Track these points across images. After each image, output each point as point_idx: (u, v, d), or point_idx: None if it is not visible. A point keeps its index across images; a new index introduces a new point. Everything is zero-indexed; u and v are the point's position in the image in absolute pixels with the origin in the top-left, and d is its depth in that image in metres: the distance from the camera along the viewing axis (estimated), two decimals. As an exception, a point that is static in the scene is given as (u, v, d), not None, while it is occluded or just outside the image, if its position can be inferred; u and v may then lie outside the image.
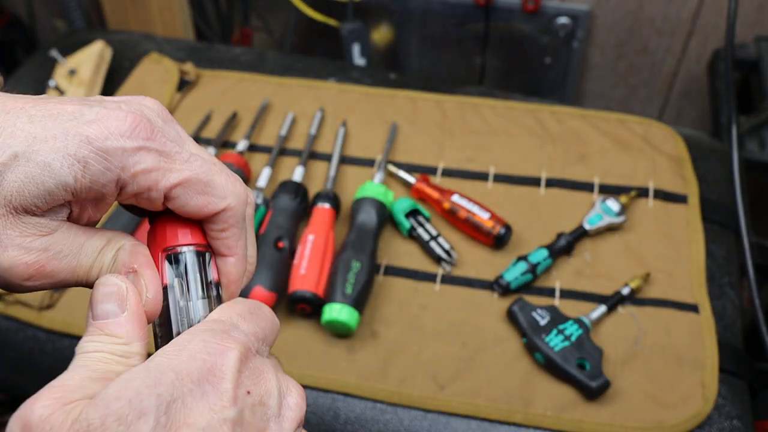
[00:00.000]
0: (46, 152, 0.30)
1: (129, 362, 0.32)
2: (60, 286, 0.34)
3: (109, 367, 0.31)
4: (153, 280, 0.34)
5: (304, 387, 0.74)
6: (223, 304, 0.35)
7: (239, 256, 0.37)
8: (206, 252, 0.36)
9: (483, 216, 0.84)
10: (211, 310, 0.35)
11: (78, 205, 0.33)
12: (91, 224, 0.36)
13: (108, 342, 0.32)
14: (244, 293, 0.76)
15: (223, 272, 0.37)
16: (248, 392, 0.31)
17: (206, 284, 0.36)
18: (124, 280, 0.34)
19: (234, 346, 0.32)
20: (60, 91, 1.01)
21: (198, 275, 0.36)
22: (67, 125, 0.31)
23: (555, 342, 0.73)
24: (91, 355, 0.32)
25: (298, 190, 0.86)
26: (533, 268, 0.80)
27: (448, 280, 0.82)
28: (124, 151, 0.32)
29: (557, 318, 0.75)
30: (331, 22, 1.36)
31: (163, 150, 0.33)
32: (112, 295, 0.33)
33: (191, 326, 0.34)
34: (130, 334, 0.33)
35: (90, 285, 0.35)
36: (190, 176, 0.34)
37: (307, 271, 0.78)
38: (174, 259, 0.36)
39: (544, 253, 0.81)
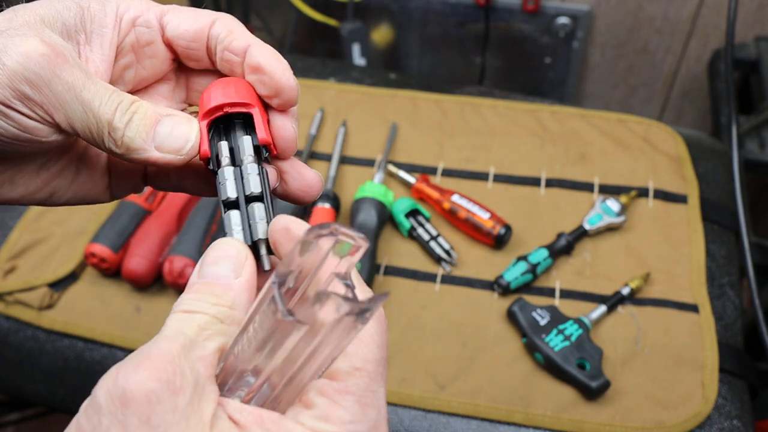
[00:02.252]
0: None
1: (228, 330, 0.30)
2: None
3: (209, 333, 0.29)
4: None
5: (304, 387, 0.75)
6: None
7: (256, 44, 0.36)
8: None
9: (483, 216, 0.84)
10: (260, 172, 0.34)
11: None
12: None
13: (213, 303, 0.30)
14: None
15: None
16: None
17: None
18: (245, 248, 0.32)
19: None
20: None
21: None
22: None
23: (555, 342, 0.73)
24: (193, 317, 0.30)
25: (298, 190, 0.86)
26: (533, 268, 0.80)
27: (448, 280, 0.82)
28: None
29: (557, 318, 0.75)
30: (331, 22, 1.36)
31: None
32: (230, 258, 0.32)
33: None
34: (236, 300, 0.31)
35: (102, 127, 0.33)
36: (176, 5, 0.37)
37: (307, 271, 0.78)
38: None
39: (544, 253, 0.81)
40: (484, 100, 1.00)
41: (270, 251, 0.34)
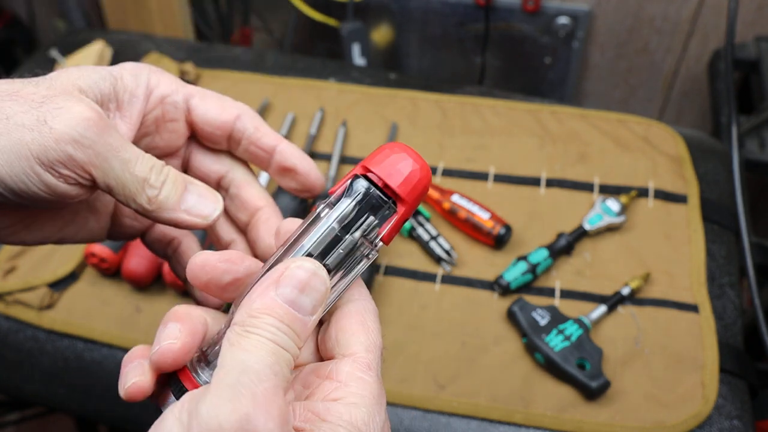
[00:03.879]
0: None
1: (287, 371, 0.29)
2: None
3: (284, 371, 0.29)
4: None
5: (304, 387, 0.75)
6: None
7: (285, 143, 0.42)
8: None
9: (483, 216, 0.84)
10: None
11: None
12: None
13: (296, 343, 0.30)
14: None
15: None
16: None
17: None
18: (328, 281, 0.32)
19: None
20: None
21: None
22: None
23: (555, 342, 0.73)
24: (284, 356, 0.29)
25: (298, 190, 0.86)
26: (533, 268, 0.80)
27: (448, 280, 0.82)
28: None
29: (557, 318, 0.75)
30: (331, 22, 1.36)
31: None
32: (317, 292, 0.32)
33: None
34: (304, 338, 0.31)
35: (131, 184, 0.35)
36: (203, 90, 0.42)
37: (307, 271, 0.78)
38: None
39: (544, 253, 0.81)
40: (484, 100, 1.00)
41: None
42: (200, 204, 0.37)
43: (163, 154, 0.43)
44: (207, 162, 0.44)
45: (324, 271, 0.32)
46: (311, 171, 0.42)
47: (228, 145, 0.43)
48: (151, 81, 0.40)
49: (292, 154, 0.42)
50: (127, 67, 0.39)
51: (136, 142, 0.40)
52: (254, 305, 0.30)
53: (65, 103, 0.34)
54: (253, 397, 0.27)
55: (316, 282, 0.32)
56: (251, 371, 0.27)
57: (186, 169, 0.45)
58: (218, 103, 0.41)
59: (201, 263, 0.36)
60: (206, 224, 0.38)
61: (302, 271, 0.31)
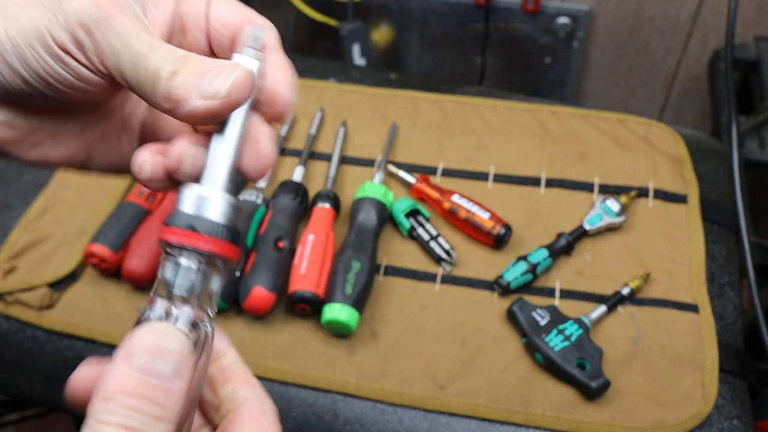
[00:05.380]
0: None
1: None
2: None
3: None
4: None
5: (304, 387, 0.75)
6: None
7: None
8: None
9: (483, 216, 0.84)
10: None
11: None
12: None
13: (152, 414, 0.25)
14: (244, 292, 0.76)
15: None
16: None
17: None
18: (185, 336, 0.28)
19: None
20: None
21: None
22: None
23: (555, 342, 0.73)
24: None
25: (298, 190, 0.86)
26: (533, 268, 0.80)
27: (448, 280, 0.82)
28: None
29: (557, 318, 0.75)
30: (331, 22, 1.36)
31: None
32: (173, 353, 0.27)
33: None
34: (173, 408, 0.26)
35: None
36: None
37: (307, 271, 0.78)
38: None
39: (544, 253, 0.81)
40: (484, 100, 1.00)
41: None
42: (216, 82, 0.31)
43: None
44: None
45: (175, 328, 0.28)
46: (280, 83, 0.35)
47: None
48: None
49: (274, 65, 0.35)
50: None
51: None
52: (105, 386, 0.26)
53: None
54: None
55: (170, 342, 0.27)
56: None
57: None
58: (235, 7, 0.36)
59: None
60: (219, 104, 0.31)
61: (150, 333, 0.27)
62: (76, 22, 0.30)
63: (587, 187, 0.90)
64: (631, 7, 1.31)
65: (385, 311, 0.79)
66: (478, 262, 0.83)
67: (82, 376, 0.31)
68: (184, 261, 0.31)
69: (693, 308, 0.78)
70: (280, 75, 0.35)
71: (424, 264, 0.84)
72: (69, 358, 0.79)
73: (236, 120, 0.33)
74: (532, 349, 0.74)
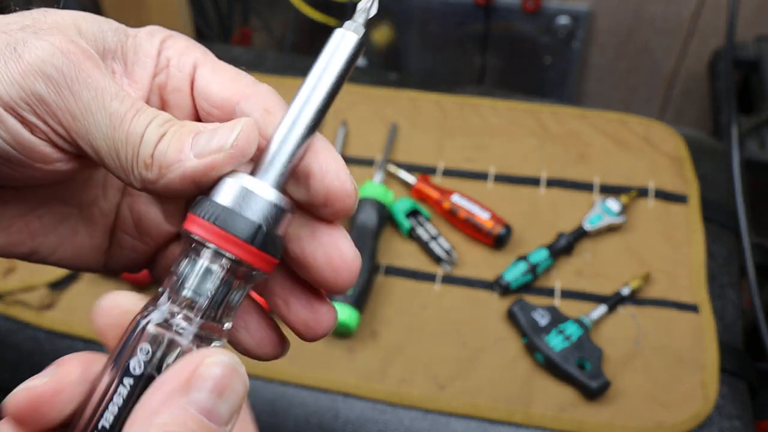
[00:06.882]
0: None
1: None
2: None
3: None
4: None
5: (305, 387, 0.75)
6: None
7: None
8: None
9: (483, 216, 0.83)
10: None
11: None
12: None
13: None
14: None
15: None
16: None
17: None
18: (247, 378, 0.25)
19: None
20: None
21: None
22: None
23: (555, 342, 0.73)
24: None
25: (298, 190, 0.86)
26: (533, 268, 0.80)
27: (448, 280, 0.82)
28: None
29: (557, 318, 0.75)
30: (331, 22, 1.36)
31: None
32: (236, 394, 0.24)
33: None
34: None
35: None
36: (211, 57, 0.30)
37: (307, 271, 0.78)
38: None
39: (544, 253, 0.81)
40: (484, 100, 1.00)
41: None
42: (216, 138, 0.25)
43: None
44: None
45: (243, 367, 0.24)
46: (331, 172, 0.29)
47: None
48: (166, 42, 0.29)
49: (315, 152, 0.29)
50: (143, 29, 0.30)
51: None
52: (158, 420, 0.22)
53: (48, 35, 0.25)
54: None
55: (236, 381, 0.24)
56: None
57: None
58: (228, 76, 0.29)
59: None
60: (225, 156, 0.25)
61: (219, 368, 0.23)
62: (39, 72, 0.24)
63: (587, 187, 0.90)
64: (631, 7, 1.31)
65: (385, 311, 0.79)
66: (478, 262, 0.83)
67: (108, 310, 0.27)
68: (206, 262, 0.26)
69: (693, 308, 0.78)
70: (332, 164, 0.29)
71: (424, 264, 0.84)
72: (69, 358, 0.79)
73: (306, 102, 0.29)
74: (532, 349, 0.74)
